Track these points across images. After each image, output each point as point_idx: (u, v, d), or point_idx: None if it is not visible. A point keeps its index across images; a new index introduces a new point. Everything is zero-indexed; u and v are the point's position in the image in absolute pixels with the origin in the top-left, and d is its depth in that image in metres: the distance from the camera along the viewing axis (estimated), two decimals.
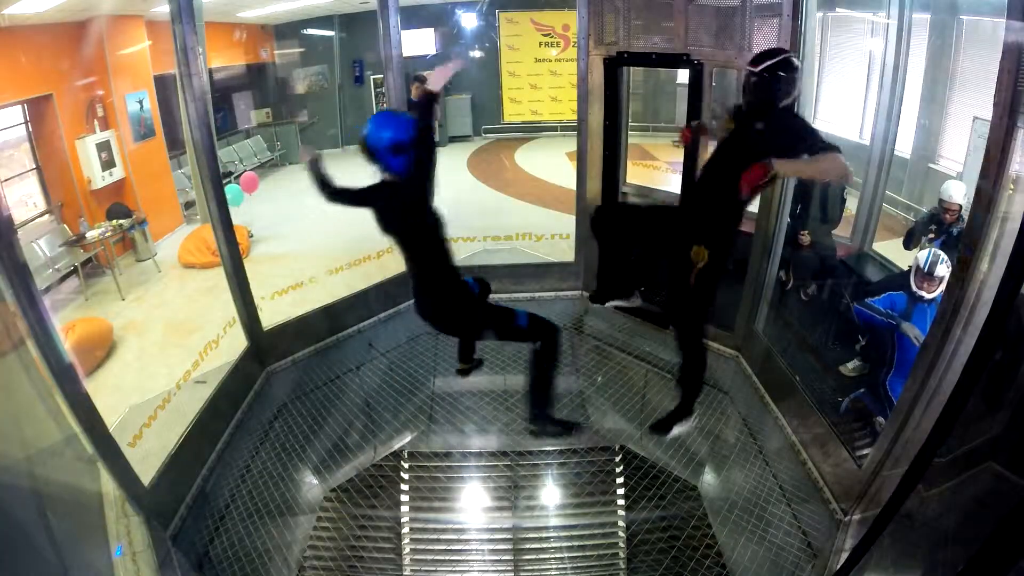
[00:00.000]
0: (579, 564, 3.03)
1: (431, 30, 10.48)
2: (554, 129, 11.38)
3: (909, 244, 3.94)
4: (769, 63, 2.22)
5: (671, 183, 6.13)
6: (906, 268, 3.80)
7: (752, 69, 2.26)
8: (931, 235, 3.75)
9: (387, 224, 2.43)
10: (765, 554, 2.87)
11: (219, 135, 8.73)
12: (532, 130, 11.48)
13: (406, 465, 3.33)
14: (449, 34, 10.68)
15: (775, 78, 2.22)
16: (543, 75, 11.18)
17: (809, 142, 2.16)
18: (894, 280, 3.92)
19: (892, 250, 4.53)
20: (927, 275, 3.08)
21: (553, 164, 9.50)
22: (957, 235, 3.53)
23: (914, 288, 3.14)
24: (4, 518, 1.82)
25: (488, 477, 3.33)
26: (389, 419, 3.82)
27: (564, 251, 5.25)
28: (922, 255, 3.14)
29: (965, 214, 3.63)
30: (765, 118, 2.28)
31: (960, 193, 3.63)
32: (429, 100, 2.41)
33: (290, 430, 3.69)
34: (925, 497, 2.01)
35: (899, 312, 3.25)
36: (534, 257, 5.50)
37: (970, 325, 2.17)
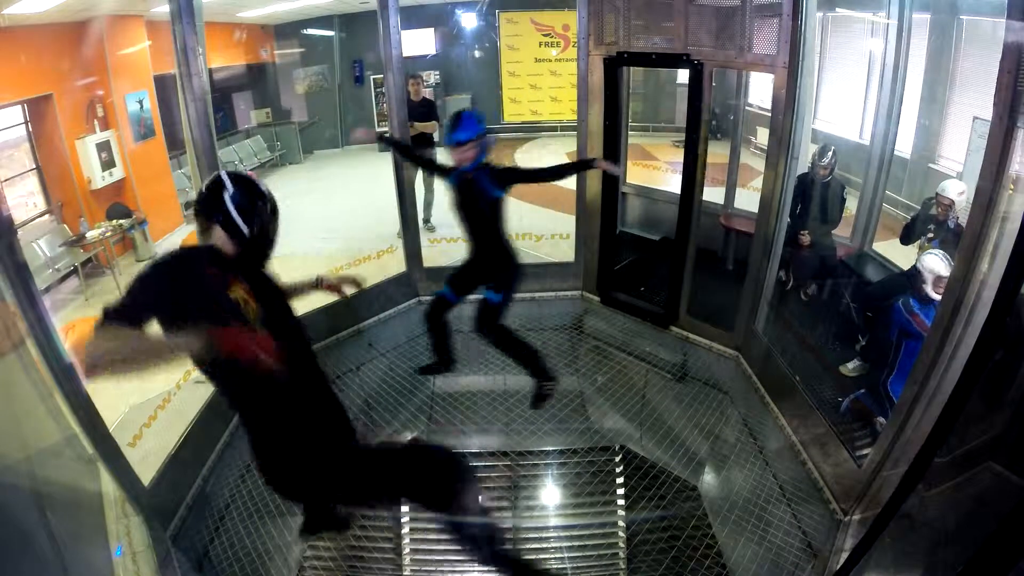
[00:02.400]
0: (579, 564, 3.02)
1: (431, 30, 10.49)
2: (554, 129, 11.37)
3: (907, 239, 3.94)
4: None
5: (671, 183, 6.12)
6: (908, 270, 3.82)
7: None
8: (930, 234, 3.75)
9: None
10: (765, 554, 2.87)
11: (219, 135, 8.73)
12: (532, 130, 11.47)
13: None
14: (449, 34, 10.69)
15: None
16: (543, 75, 11.17)
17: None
18: (895, 280, 3.92)
19: (892, 250, 4.53)
20: (944, 279, 3.06)
21: (553, 164, 9.48)
22: (955, 233, 3.53)
23: (932, 295, 3.13)
24: (4, 518, 1.82)
25: (488, 477, 3.33)
26: (389, 419, 3.81)
27: (564, 251, 5.25)
28: (938, 264, 3.12)
29: (958, 212, 3.63)
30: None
31: (956, 191, 3.63)
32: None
33: None
34: (925, 497, 2.01)
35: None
36: (534, 257, 5.50)
37: (970, 325, 2.17)
